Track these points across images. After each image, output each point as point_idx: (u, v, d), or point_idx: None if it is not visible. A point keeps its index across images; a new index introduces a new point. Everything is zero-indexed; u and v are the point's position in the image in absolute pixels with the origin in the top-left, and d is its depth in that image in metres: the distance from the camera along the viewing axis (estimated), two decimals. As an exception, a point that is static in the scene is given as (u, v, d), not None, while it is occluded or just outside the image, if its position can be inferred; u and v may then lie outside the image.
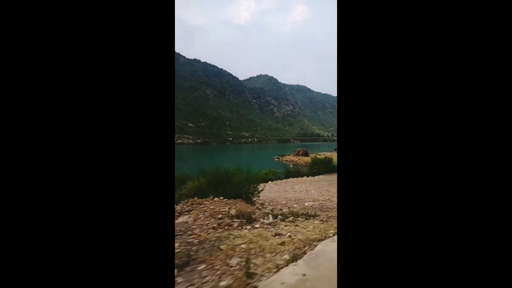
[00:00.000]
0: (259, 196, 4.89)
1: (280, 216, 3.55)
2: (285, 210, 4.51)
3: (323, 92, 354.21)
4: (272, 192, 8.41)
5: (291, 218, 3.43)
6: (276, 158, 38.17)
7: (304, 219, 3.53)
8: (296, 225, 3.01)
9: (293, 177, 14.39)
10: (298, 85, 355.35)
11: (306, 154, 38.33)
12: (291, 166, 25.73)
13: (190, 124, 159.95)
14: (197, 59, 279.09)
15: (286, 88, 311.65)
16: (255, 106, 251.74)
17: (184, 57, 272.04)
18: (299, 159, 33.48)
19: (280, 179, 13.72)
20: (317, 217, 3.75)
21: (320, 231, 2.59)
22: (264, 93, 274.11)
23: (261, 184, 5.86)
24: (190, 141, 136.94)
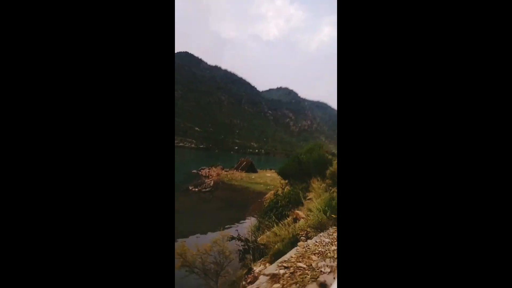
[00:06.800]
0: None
1: None
2: None
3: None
4: None
5: None
6: (195, 171, 24.29)
7: None
8: None
9: None
10: (319, 101, 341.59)
11: (250, 168, 24.91)
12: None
13: (196, 128, 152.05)
14: (218, 66, 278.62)
15: (306, 103, 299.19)
16: (270, 117, 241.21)
17: (206, 63, 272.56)
18: (217, 175, 20.75)
19: None
20: None
21: None
22: (282, 106, 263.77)
23: None
24: (192, 145, 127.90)
